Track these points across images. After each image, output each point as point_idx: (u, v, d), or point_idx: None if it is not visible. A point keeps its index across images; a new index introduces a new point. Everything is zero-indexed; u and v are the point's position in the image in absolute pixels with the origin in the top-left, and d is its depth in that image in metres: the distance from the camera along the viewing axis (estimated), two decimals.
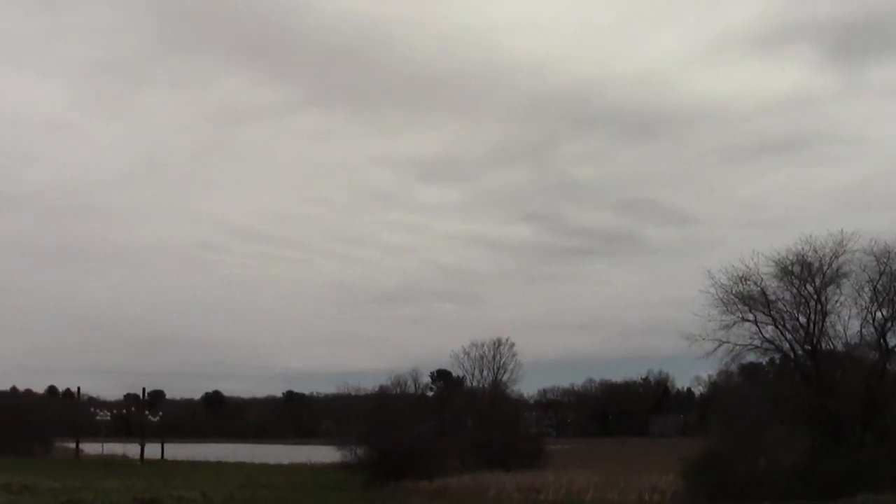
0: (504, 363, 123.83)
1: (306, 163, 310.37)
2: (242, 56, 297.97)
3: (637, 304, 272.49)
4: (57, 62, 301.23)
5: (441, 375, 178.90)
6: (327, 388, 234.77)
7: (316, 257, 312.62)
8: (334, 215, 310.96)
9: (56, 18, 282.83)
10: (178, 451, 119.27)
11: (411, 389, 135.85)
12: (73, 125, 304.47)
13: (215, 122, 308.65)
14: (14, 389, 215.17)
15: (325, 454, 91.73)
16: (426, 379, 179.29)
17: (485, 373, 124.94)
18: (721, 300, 54.99)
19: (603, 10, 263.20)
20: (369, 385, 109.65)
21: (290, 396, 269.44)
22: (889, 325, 54.98)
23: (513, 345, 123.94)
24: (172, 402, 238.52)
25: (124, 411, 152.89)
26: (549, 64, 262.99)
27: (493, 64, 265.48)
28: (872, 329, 55.28)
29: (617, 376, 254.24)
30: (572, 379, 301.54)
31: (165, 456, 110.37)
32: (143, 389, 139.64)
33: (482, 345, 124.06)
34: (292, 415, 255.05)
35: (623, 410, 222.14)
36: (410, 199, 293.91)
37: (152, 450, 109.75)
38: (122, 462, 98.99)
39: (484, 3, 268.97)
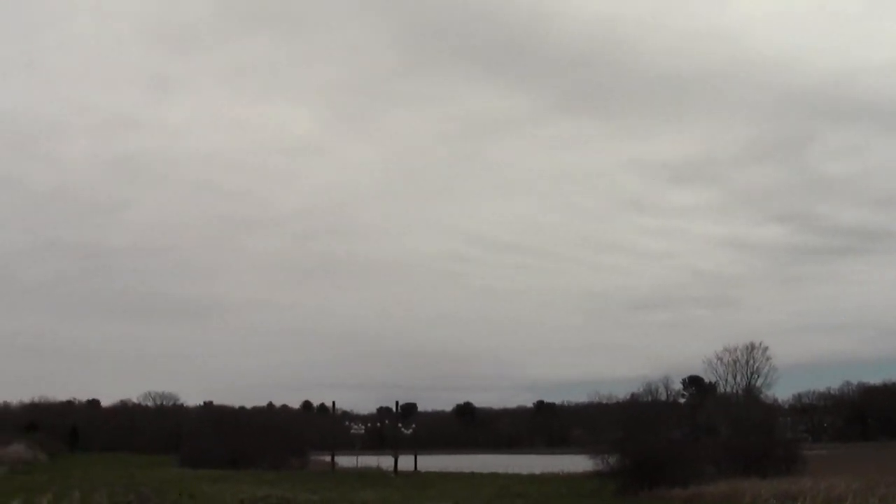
0: (757, 368, 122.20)
1: (555, 170, 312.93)
2: (488, 67, 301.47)
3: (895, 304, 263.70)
4: (306, 85, 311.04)
5: (693, 381, 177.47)
6: (578, 397, 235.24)
7: (566, 265, 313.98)
8: (584, 222, 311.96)
9: (305, 42, 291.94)
10: (431, 462, 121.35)
11: (662, 396, 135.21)
12: (327, 146, 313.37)
13: (464, 135, 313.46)
14: (271, 405, 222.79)
15: (576, 463, 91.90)
16: (678, 385, 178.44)
17: (738, 378, 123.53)
18: None
19: (843, 4, 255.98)
20: (620, 393, 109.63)
21: (541, 406, 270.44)
22: None
23: (766, 349, 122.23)
24: (424, 414, 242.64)
25: (378, 424, 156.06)
26: (796, 57, 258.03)
27: (738, 60, 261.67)
28: None
29: (876, 378, 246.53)
30: (828, 382, 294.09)
31: (418, 467, 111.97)
32: (396, 402, 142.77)
33: (735, 349, 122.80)
34: (543, 424, 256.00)
35: (883, 413, 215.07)
36: (661, 203, 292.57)
37: (405, 462, 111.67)
38: (376, 474, 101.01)
39: None
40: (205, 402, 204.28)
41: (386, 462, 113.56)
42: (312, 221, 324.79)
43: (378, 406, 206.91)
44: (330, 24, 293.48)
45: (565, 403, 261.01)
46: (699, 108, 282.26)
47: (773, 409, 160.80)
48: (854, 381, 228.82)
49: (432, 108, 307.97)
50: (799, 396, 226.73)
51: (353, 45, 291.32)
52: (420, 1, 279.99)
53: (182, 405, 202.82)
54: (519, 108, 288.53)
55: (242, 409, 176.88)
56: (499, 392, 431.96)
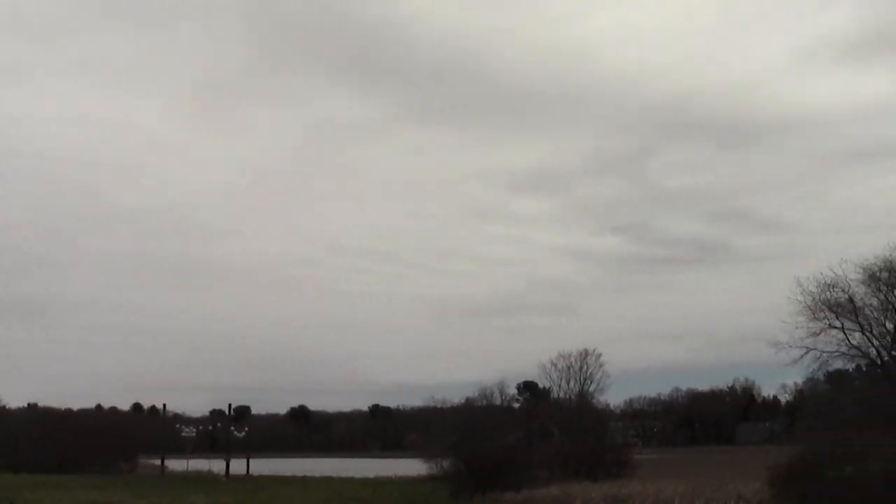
0: (591, 373, 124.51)
1: (404, 177, 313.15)
2: (343, 72, 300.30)
3: (725, 313, 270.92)
4: (154, 82, 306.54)
5: (528, 387, 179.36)
6: (414, 402, 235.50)
7: (411, 271, 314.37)
8: (430, 229, 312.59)
9: (156, 37, 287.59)
10: (264, 466, 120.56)
11: (498, 401, 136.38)
12: (177, 143, 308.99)
13: (317, 139, 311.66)
14: (99, 407, 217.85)
15: (411, 467, 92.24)
16: (513, 391, 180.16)
17: (571, 383, 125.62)
18: (809, 307, 55.12)
19: (695, 22, 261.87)
20: (456, 398, 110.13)
21: (376, 410, 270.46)
22: None
23: (599, 355, 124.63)
24: (259, 417, 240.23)
25: (210, 427, 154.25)
26: (642, 74, 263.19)
27: (588, 74, 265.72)
28: None
29: (703, 385, 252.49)
30: (659, 388, 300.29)
31: (251, 471, 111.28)
32: (229, 405, 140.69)
33: (569, 356, 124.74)
34: (378, 428, 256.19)
35: (709, 419, 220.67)
36: (505, 211, 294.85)
37: (238, 465, 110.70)
38: (207, 478, 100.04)
39: (580, 14, 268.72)
40: (29, 404, 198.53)
41: (218, 465, 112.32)
42: (157, 220, 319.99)
43: (211, 409, 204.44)
44: (182, 19, 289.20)
45: (401, 407, 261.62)
46: (546, 120, 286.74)
47: (605, 414, 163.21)
48: (683, 388, 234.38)
49: (287, 108, 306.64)
50: (630, 402, 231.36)
51: (206, 43, 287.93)
52: (276, 1, 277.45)
53: (4, 407, 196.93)
54: (374, 114, 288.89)
55: (69, 411, 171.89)
56: (335, 396, 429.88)
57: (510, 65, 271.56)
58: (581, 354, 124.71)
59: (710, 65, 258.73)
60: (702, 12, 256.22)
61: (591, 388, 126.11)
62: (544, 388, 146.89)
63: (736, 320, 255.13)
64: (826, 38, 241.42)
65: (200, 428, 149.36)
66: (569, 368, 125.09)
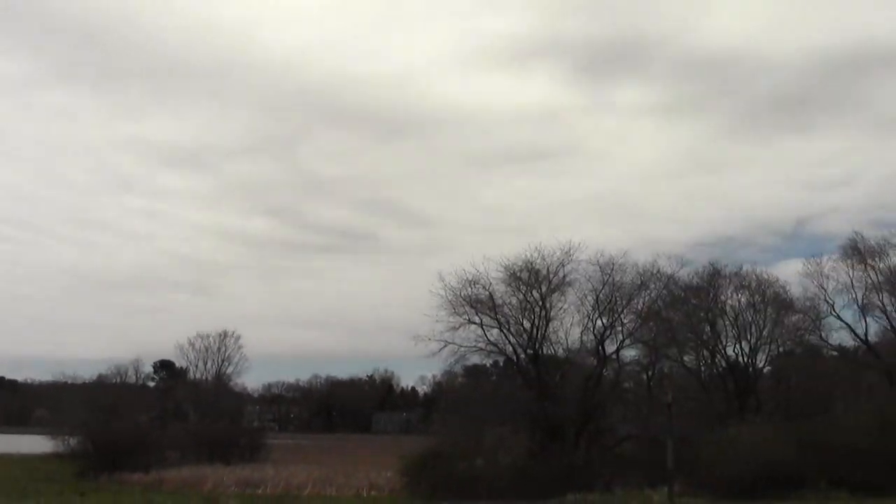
0: (229, 355, 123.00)
1: (45, 141, 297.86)
2: None
3: (370, 304, 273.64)
4: None
5: (164, 366, 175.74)
6: (44, 376, 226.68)
7: (46, 240, 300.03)
8: (72, 197, 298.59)
9: None
10: None
11: (133, 379, 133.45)
12: None
13: None
14: None
15: (37, 444, 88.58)
16: (149, 369, 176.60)
17: (209, 364, 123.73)
18: (450, 302, 55.82)
19: (360, 11, 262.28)
20: (88, 374, 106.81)
21: (1, 382, 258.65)
22: (608, 333, 57.08)
23: (239, 337, 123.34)
24: None
25: None
26: (303, 59, 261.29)
27: (248, 53, 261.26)
28: (592, 336, 57.29)
29: (343, 373, 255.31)
30: (299, 374, 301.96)
31: None
32: None
33: (208, 336, 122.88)
34: (2, 402, 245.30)
35: (347, 407, 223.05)
36: (153, 185, 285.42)
37: None
38: None
39: None
40: None
41: None
42: None
43: None
44: None
45: (29, 381, 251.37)
46: (202, 95, 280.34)
47: (243, 397, 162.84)
48: (323, 375, 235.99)
49: None
50: (269, 386, 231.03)
51: None
52: None
53: None
54: (14, 71, 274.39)
55: None
56: None
57: (169, 35, 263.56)
58: (220, 336, 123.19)
59: (372, 55, 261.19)
60: (369, 1, 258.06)
61: (229, 371, 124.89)
62: (181, 367, 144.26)
63: (379, 311, 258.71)
64: (490, 41, 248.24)
65: None
66: (207, 349, 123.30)
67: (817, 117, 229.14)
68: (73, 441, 68.81)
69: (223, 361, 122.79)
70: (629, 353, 60.09)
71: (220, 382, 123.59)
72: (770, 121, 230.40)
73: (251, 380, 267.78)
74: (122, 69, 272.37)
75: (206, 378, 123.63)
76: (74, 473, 64.48)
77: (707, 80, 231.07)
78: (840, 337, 62.53)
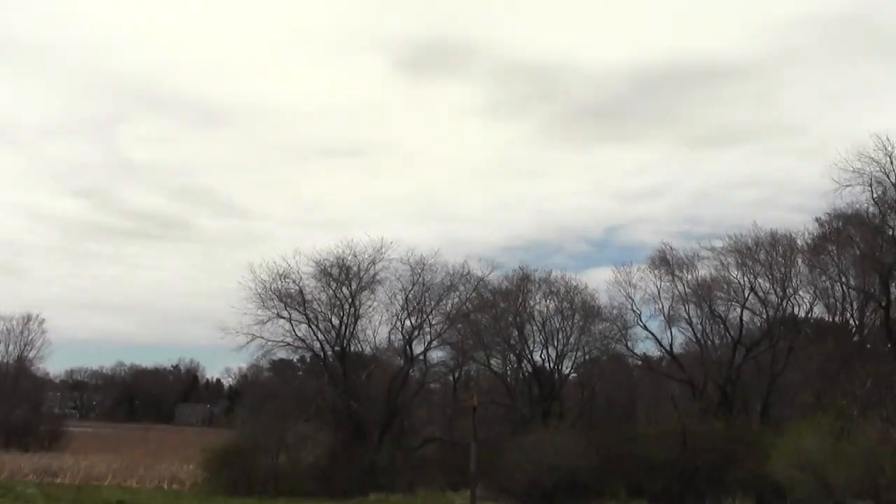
0: (32, 339, 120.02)
1: None
2: None
3: (180, 292, 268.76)
4: None
5: None
6: None
7: None
8: None
9: None
10: None
11: None
12: None
13: None
14: None
15: None
16: None
17: (10, 348, 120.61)
18: (259, 295, 55.61)
19: None
20: None
21: None
22: (416, 333, 57.60)
23: (43, 321, 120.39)
24: None
25: None
26: (123, 42, 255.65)
27: (69, 28, 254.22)
28: (400, 336, 57.81)
29: (149, 362, 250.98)
30: (103, 361, 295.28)
31: None
32: None
33: (11, 318, 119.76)
34: None
35: (151, 397, 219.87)
36: None
37: None
38: None
39: None
40: None
41: None
42: None
43: None
44: None
45: None
46: (13, 69, 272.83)
47: (44, 382, 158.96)
48: (127, 363, 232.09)
49: None
50: (71, 372, 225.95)
51: None
52: None
53: None
54: None
55: None
56: None
57: None
58: (24, 318, 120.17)
59: (194, 40, 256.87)
60: None
61: (32, 355, 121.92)
62: None
63: (188, 300, 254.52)
64: (312, 33, 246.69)
65: None
66: (9, 332, 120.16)
67: (632, 128, 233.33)
68: None
69: (26, 345, 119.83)
70: (436, 355, 60.90)
71: (22, 367, 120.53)
72: (585, 129, 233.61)
73: (54, 365, 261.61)
74: None
75: (7, 361, 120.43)
76: None
77: (527, 85, 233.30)
78: (646, 346, 64.01)
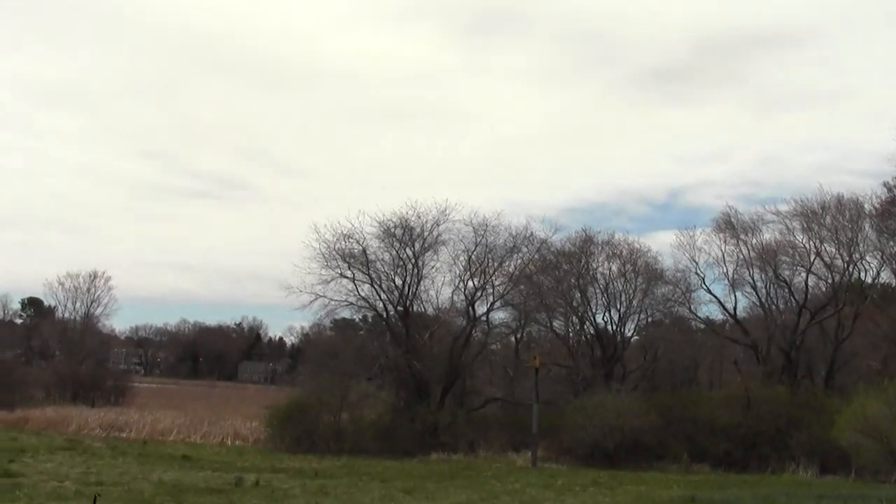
0: (98, 297, 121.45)
1: None
2: None
3: (243, 252, 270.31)
4: None
5: (32, 303, 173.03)
6: None
7: None
8: None
9: None
10: None
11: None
12: None
13: None
14: None
15: None
16: (16, 306, 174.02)
17: (78, 304, 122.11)
18: (323, 255, 55.73)
19: None
20: None
21: None
22: (478, 294, 57.50)
23: (109, 278, 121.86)
24: None
25: None
26: (187, 5, 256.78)
27: None
28: (463, 297, 57.69)
29: (212, 320, 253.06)
30: (167, 319, 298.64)
31: None
32: None
33: (78, 276, 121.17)
34: None
35: (214, 354, 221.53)
36: (28, 122, 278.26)
37: None
38: None
39: None
40: None
41: None
42: None
43: None
44: None
45: None
46: (85, 33, 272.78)
47: (110, 339, 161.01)
48: (191, 320, 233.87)
49: None
50: (137, 329, 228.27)
51: None
52: None
53: None
54: None
55: None
56: None
57: None
58: (91, 276, 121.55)
59: (259, 4, 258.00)
60: None
61: (98, 312, 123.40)
62: (50, 306, 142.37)
63: (252, 259, 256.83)
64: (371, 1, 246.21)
65: None
66: (76, 289, 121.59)
67: (695, 92, 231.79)
68: None
69: (92, 302, 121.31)
70: (499, 316, 60.72)
71: (88, 323, 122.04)
72: (647, 93, 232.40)
73: (119, 322, 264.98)
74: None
75: (75, 318, 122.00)
76: None
77: (588, 48, 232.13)
78: (709, 310, 63.90)
